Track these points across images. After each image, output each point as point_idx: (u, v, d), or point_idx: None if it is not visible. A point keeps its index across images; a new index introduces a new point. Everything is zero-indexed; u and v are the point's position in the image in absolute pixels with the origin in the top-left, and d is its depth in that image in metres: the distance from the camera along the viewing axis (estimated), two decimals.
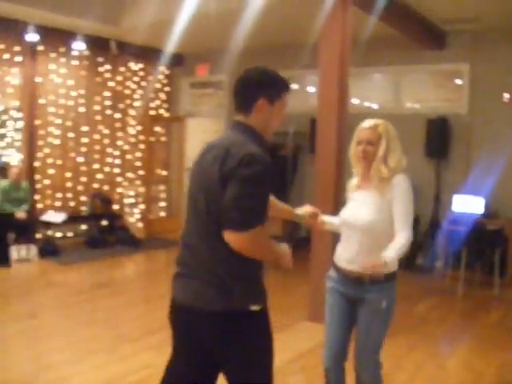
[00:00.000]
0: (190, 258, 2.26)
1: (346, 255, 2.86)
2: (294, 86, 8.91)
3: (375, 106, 8.55)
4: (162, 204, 10.53)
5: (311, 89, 8.93)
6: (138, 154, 9.92)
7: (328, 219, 3.07)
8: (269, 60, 8.29)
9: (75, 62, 8.76)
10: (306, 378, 4.14)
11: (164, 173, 10.50)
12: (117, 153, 9.54)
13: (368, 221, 2.77)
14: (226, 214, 2.07)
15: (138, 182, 9.95)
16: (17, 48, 8.00)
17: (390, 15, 6.07)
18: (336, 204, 5.15)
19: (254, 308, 2.18)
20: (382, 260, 2.57)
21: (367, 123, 2.87)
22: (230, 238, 2.07)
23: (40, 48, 8.23)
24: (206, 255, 2.18)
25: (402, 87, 8.24)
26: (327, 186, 5.30)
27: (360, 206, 2.86)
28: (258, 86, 2.28)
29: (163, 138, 10.47)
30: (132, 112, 9.76)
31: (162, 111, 10.38)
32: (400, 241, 2.66)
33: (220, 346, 2.19)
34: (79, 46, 8.22)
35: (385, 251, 2.63)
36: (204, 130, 10.19)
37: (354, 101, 8.39)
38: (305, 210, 2.99)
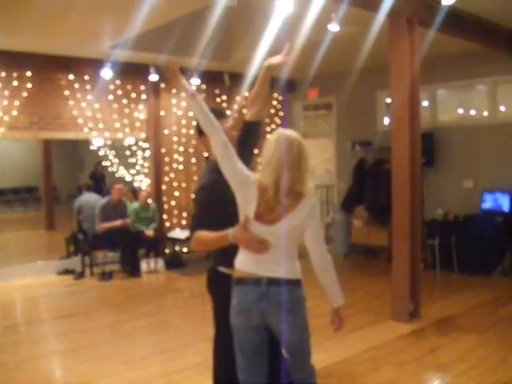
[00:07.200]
0: None
1: None
2: None
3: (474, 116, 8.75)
4: None
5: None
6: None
7: None
8: (370, 81, 8.92)
9: None
10: (371, 366, 4.59)
11: None
12: None
13: None
14: None
15: None
16: (142, 87, 9.21)
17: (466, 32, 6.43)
18: (411, 206, 5.73)
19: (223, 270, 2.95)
20: None
21: None
22: None
23: (161, 86, 9.36)
24: None
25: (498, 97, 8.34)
26: (403, 194, 5.82)
27: None
28: None
29: None
30: None
31: None
32: None
33: None
34: (196, 81, 9.23)
35: None
36: (324, 150, 10.84)
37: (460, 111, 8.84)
38: None
